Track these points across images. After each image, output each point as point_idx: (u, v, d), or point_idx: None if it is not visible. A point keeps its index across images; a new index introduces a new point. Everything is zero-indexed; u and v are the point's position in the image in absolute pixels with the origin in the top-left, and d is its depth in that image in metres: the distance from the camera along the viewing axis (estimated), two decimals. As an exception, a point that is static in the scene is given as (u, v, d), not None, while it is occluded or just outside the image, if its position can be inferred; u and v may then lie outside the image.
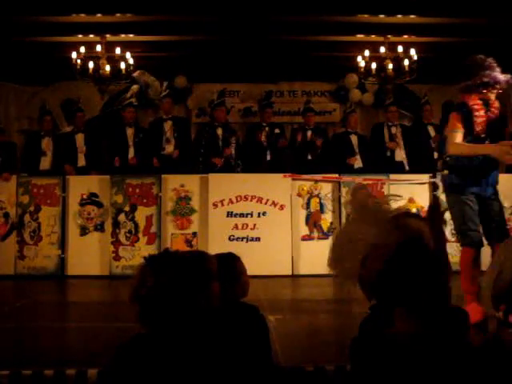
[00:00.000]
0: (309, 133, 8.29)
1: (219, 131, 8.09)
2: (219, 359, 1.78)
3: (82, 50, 7.69)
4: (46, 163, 8.07)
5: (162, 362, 1.75)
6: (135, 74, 8.57)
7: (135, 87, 8.90)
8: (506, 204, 7.53)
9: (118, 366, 1.80)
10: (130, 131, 8.15)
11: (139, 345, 1.81)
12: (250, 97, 9.29)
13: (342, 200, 7.50)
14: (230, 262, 2.76)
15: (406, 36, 7.98)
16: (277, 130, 8.27)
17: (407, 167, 8.21)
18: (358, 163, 8.18)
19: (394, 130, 8.31)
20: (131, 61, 7.82)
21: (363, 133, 8.70)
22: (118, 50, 7.73)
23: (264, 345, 2.55)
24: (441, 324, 1.85)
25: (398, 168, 8.07)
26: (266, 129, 8.26)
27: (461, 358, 1.78)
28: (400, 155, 8.23)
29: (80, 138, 8.20)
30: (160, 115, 8.58)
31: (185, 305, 1.80)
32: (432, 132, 8.30)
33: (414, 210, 6.89)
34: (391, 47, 7.91)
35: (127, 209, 7.53)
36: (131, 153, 8.08)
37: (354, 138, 8.28)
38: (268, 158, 8.19)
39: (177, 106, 8.99)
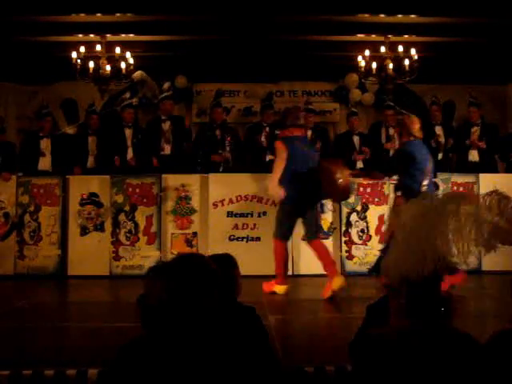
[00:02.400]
0: (309, 132, 8.31)
1: (217, 132, 8.11)
2: (221, 360, 1.78)
3: (82, 49, 7.67)
4: (45, 164, 8.05)
5: (165, 365, 1.75)
6: (134, 75, 8.57)
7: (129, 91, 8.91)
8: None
9: (119, 368, 1.79)
10: (128, 132, 8.13)
11: (141, 347, 1.80)
12: (251, 96, 9.28)
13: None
14: (230, 263, 2.75)
15: (406, 36, 7.97)
16: (277, 131, 8.25)
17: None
18: (359, 163, 8.17)
19: (391, 130, 8.30)
20: (131, 61, 7.80)
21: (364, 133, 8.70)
22: (118, 50, 7.71)
23: (263, 345, 2.54)
24: (432, 315, 1.87)
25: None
26: (267, 129, 8.25)
27: (458, 355, 1.78)
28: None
29: (92, 140, 8.20)
30: (158, 115, 8.58)
31: (193, 309, 1.79)
32: (440, 132, 8.29)
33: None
34: (391, 47, 7.90)
35: (127, 209, 7.53)
36: (130, 153, 8.07)
37: (356, 139, 8.28)
38: (268, 158, 8.18)
39: (177, 106, 8.97)
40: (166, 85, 8.51)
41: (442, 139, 8.20)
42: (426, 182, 6.14)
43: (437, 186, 7.50)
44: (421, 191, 5.95)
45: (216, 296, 1.84)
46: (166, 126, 8.20)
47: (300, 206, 5.94)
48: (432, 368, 1.75)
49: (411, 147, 6.17)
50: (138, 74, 8.72)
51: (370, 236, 7.51)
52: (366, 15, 7.61)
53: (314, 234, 6.11)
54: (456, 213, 1.90)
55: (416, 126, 6.29)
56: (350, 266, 7.45)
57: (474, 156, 8.05)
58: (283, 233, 6.07)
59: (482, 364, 1.75)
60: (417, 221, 1.94)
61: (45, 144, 8.07)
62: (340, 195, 6.05)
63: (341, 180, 5.67)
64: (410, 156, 6.07)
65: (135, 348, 1.81)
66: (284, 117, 6.32)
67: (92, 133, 8.24)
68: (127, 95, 8.68)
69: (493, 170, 8.05)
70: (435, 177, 7.55)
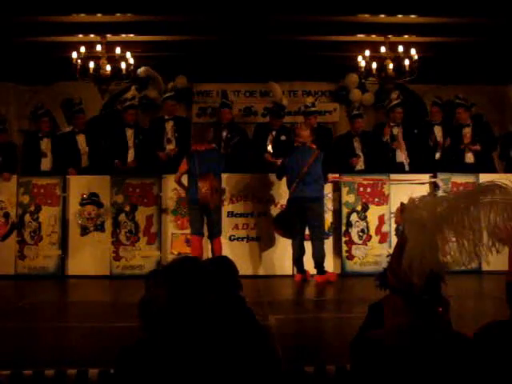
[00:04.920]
0: (306, 133, 8.30)
1: (224, 132, 8.15)
2: (221, 361, 1.78)
3: (83, 49, 7.67)
4: (46, 164, 8.06)
5: (166, 366, 1.75)
6: (140, 70, 8.59)
7: (135, 87, 8.88)
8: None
9: (122, 371, 1.79)
10: (129, 132, 8.13)
11: (143, 349, 1.80)
12: (251, 95, 9.29)
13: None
14: (227, 265, 2.75)
15: (406, 36, 7.96)
16: (283, 137, 8.24)
17: (407, 168, 8.15)
18: (360, 165, 8.17)
19: (395, 130, 8.29)
20: (131, 61, 7.81)
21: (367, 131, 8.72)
22: (118, 50, 7.71)
23: (263, 345, 2.54)
24: (431, 315, 1.87)
25: (398, 169, 8.04)
26: (273, 133, 8.25)
27: (452, 351, 1.79)
28: (401, 156, 8.20)
29: (81, 139, 8.20)
30: (160, 115, 8.59)
31: (193, 311, 1.80)
32: (438, 132, 8.28)
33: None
34: (392, 47, 7.89)
35: (127, 209, 7.53)
36: (131, 154, 8.07)
37: (356, 141, 8.27)
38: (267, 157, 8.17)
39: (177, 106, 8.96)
40: (170, 84, 8.54)
41: (440, 139, 8.19)
42: (294, 186, 6.91)
43: (437, 186, 7.52)
44: (290, 193, 6.97)
45: (214, 297, 1.84)
46: (169, 125, 8.22)
47: (201, 206, 6.88)
48: (431, 368, 1.75)
49: (288, 154, 7.11)
50: (145, 70, 8.72)
51: (370, 236, 7.51)
52: (366, 15, 7.60)
53: (213, 235, 6.98)
54: (491, 204, 1.89)
55: (303, 132, 7.09)
56: (350, 265, 7.45)
57: (469, 158, 8.05)
58: (196, 228, 6.94)
59: (473, 359, 1.76)
60: (432, 217, 1.93)
61: (45, 144, 8.08)
62: (200, 201, 6.86)
63: (201, 192, 6.80)
64: (283, 163, 7.16)
65: (137, 350, 1.81)
66: (192, 134, 7.54)
67: (79, 131, 8.23)
68: (129, 95, 8.65)
69: (490, 170, 8.02)
70: (435, 177, 7.57)
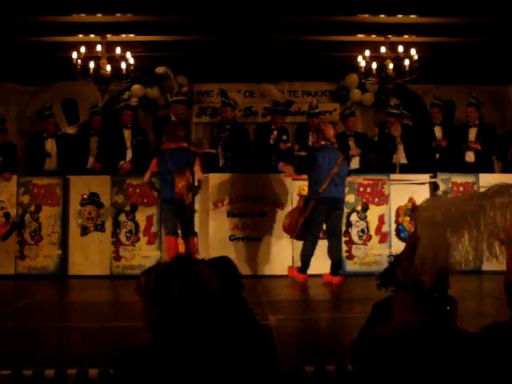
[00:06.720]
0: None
1: (225, 131, 8.17)
2: (221, 361, 1.79)
3: (83, 49, 7.68)
4: (51, 164, 8.07)
5: (166, 367, 1.75)
6: (159, 69, 8.64)
7: (136, 87, 8.89)
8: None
9: (120, 372, 1.79)
10: (127, 133, 8.13)
11: (142, 351, 1.80)
12: (251, 96, 9.29)
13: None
14: (228, 265, 2.75)
15: (406, 36, 7.97)
16: (284, 137, 8.24)
17: (402, 169, 8.05)
18: (354, 164, 8.16)
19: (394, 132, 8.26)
20: (132, 61, 7.81)
21: (363, 132, 8.72)
22: (118, 50, 7.72)
23: (263, 345, 2.54)
24: (437, 313, 1.88)
25: (394, 169, 8.00)
26: (275, 132, 8.26)
27: (458, 350, 1.79)
28: (396, 157, 8.17)
29: (94, 141, 8.22)
30: (165, 114, 8.59)
31: (199, 311, 1.80)
32: (438, 133, 8.27)
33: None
34: (392, 47, 7.90)
35: (128, 209, 7.53)
36: (129, 154, 8.06)
37: (351, 140, 8.27)
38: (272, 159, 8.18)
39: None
40: (184, 89, 8.53)
41: (443, 142, 8.16)
42: (324, 186, 6.69)
43: (436, 186, 7.52)
44: (319, 193, 6.70)
45: (215, 298, 1.85)
46: None
47: (174, 205, 6.75)
48: (436, 366, 1.75)
49: (318, 152, 6.85)
50: (165, 69, 8.77)
51: (370, 236, 7.51)
52: (366, 15, 7.62)
53: (187, 234, 6.90)
54: (507, 204, 1.88)
55: (330, 131, 6.94)
56: (350, 265, 7.46)
57: (470, 157, 8.04)
58: (171, 228, 6.85)
59: (478, 358, 1.76)
60: (447, 214, 1.93)
61: (49, 145, 8.10)
62: (176, 196, 6.72)
63: (178, 187, 6.66)
64: (314, 160, 6.77)
65: (136, 351, 1.81)
66: (164, 132, 7.20)
67: (94, 133, 8.27)
68: (125, 95, 8.65)
69: (489, 170, 8.02)
70: (435, 177, 7.57)
